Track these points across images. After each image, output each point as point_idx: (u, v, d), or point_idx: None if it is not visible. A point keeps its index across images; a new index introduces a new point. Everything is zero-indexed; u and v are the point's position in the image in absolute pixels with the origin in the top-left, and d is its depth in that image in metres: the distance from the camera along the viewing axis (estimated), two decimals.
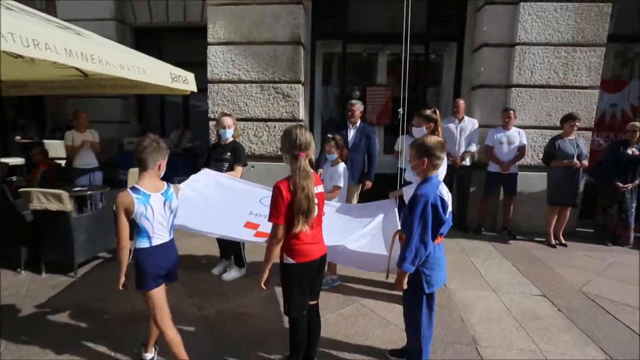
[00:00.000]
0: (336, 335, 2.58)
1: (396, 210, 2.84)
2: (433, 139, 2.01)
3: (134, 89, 4.78)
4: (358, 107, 4.15)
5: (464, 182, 5.01)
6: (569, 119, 4.41)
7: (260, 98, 5.25)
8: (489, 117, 5.02)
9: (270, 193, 3.22)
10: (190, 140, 6.68)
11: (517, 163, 4.78)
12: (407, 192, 2.87)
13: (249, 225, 2.67)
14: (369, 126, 4.33)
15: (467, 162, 4.93)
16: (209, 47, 5.21)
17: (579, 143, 4.42)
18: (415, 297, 2.03)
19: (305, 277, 1.90)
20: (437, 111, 2.90)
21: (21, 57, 3.49)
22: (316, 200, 1.86)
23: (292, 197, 1.76)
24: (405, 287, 1.94)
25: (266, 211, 2.92)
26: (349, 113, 4.17)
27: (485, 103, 5.05)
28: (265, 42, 5.11)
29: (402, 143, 4.20)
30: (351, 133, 4.18)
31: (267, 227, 2.63)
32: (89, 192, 4.08)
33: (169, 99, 7.85)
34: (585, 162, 4.40)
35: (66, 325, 2.67)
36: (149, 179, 1.87)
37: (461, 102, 4.85)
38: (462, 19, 5.36)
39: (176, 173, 6.28)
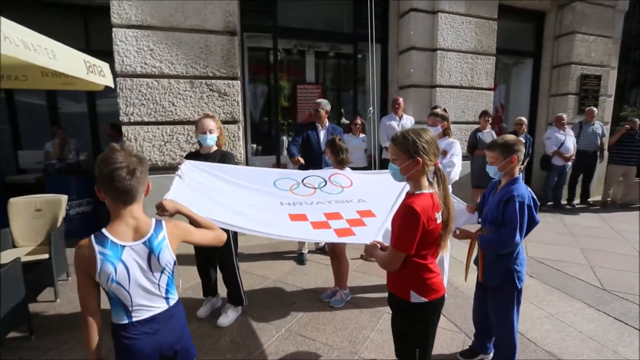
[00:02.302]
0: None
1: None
2: (509, 136, 2.04)
3: (10, 82, 3.34)
4: (324, 106, 3.92)
5: None
6: (484, 115, 5.24)
7: (190, 97, 4.36)
8: (419, 115, 5.50)
9: (271, 172, 2.67)
10: (75, 153, 5.05)
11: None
12: None
13: (294, 217, 2.18)
14: (338, 127, 4.15)
15: None
16: (114, 30, 4.01)
17: (493, 134, 5.31)
18: (509, 294, 2.04)
19: (438, 316, 1.63)
20: (446, 109, 2.98)
21: None
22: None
23: (436, 218, 1.47)
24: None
25: (293, 197, 2.38)
26: (318, 113, 3.90)
27: (415, 101, 5.52)
28: (193, 29, 4.26)
29: (374, 141, 4.18)
30: (322, 134, 3.93)
31: (315, 216, 2.22)
32: None
33: (20, 98, 5.76)
34: None
35: None
36: (129, 217, 1.20)
37: (401, 100, 5.14)
38: (385, 22, 5.69)
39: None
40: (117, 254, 1.15)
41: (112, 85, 3.62)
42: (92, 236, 1.16)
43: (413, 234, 1.43)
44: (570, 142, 5.97)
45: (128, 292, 1.18)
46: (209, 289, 2.86)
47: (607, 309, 2.98)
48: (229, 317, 2.70)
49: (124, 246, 1.17)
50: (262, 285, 3.37)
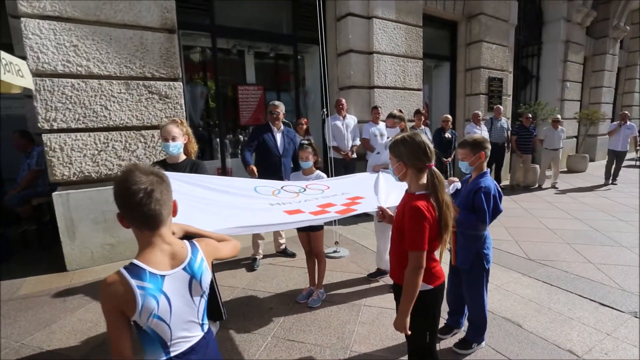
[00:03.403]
0: (386, 342, 2.50)
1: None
2: (477, 135, 2.31)
3: None
4: (282, 109, 3.89)
5: (351, 171, 5.55)
6: (417, 113, 5.74)
7: (127, 99, 3.93)
8: (360, 114, 5.78)
9: (249, 181, 2.64)
10: None
11: None
12: (373, 160, 3.47)
13: (291, 212, 2.15)
14: (291, 129, 4.14)
15: (354, 154, 5.54)
16: (24, 20, 3.41)
17: (427, 131, 5.85)
18: (478, 275, 2.31)
19: (442, 300, 1.77)
20: (402, 110, 3.21)
21: None
22: None
23: (436, 216, 1.58)
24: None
25: (280, 200, 2.36)
26: (274, 116, 3.83)
27: (356, 102, 5.79)
28: (125, 24, 3.84)
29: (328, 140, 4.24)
30: (278, 137, 3.89)
31: (310, 208, 2.26)
32: None
33: None
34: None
35: None
36: (161, 243, 1.07)
37: (344, 101, 5.35)
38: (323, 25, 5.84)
39: None
40: (158, 285, 1.02)
41: (32, 87, 3.10)
42: (123, 270, 0.99)
43: (424, 232, 1.54)
44: (486, 136, 6.88)
45: (169, 326, 1.05)
46: None
47: (535, 275, 3.55)
48: None
49: (164, 276, 1.04)
50: (233, 295, 3.23)
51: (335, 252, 4.11)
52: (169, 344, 1.07)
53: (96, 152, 3.81)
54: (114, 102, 3.86)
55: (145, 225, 1.03)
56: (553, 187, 7.61)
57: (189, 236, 1.38)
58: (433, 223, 1.58)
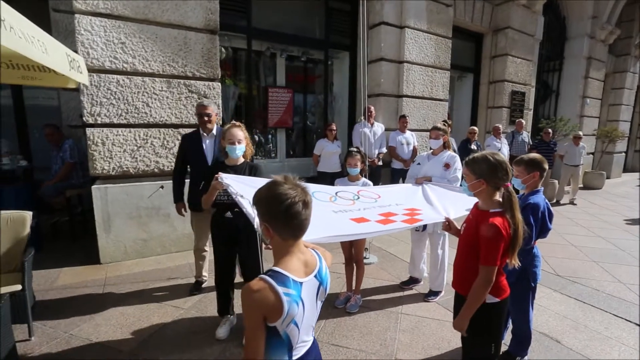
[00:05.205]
0: (429, 351, 2.52)
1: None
2: (537, 155, 2.31)
3: None
4: (214, 109, 3.07)
5: (376, 178, 5.63)
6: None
7: (167, 97, 4.00)
8: (387, 122, 5.83)
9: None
10: (11, 157, 4.22)
11: None
12: (413, 171, 3.35)
13: (358, 220, 2.19)
14: None
15: (380, 161, 5.58)
16: (78, 17, 3.48)
17: (452, 142, 5.87)
18: (525, 290, 2.33)
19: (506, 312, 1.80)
20: (446, 124, 3.25)
21: None
22: None
23: (511, 232, 1.61)
24: None
25: (340, 207, 2.40)
26: (204, 119, 3.01)
27: (385, 110, 5.83)
28: (171, 24, 3.92)
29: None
30: (207, 145, 3.06)
31: (373, 217, 2.31)
32: None
33: None
34: None
35: None
36: (298, 251, 1.11)
37: (372, 108, 5.40)
38: (354, 32, 5.90)
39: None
40: (299, 292, 1.06)
41: (88, 83, 3.16)
42: (267, 277, 1.02)
43: (499, 249, 1.58)
44: (505, 149, 6.89)
45: (298, 330, 1.08)
46: (227, 307, 2.68)
47: (566, 292, 3.56)
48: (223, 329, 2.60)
49: (301, 283, 1.08)
50: None
51: (365, 258, 4.13)
52: (294, 347, 1.10)
53: (135, 147, 3.86)
54: (155, 99, 3.92)
55: (294, 234, 1.08)
56: (571, 203, 7.60)
57: None
58: (507, 239, 1.61)
